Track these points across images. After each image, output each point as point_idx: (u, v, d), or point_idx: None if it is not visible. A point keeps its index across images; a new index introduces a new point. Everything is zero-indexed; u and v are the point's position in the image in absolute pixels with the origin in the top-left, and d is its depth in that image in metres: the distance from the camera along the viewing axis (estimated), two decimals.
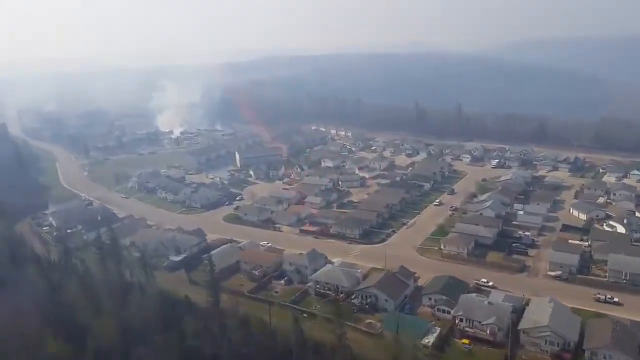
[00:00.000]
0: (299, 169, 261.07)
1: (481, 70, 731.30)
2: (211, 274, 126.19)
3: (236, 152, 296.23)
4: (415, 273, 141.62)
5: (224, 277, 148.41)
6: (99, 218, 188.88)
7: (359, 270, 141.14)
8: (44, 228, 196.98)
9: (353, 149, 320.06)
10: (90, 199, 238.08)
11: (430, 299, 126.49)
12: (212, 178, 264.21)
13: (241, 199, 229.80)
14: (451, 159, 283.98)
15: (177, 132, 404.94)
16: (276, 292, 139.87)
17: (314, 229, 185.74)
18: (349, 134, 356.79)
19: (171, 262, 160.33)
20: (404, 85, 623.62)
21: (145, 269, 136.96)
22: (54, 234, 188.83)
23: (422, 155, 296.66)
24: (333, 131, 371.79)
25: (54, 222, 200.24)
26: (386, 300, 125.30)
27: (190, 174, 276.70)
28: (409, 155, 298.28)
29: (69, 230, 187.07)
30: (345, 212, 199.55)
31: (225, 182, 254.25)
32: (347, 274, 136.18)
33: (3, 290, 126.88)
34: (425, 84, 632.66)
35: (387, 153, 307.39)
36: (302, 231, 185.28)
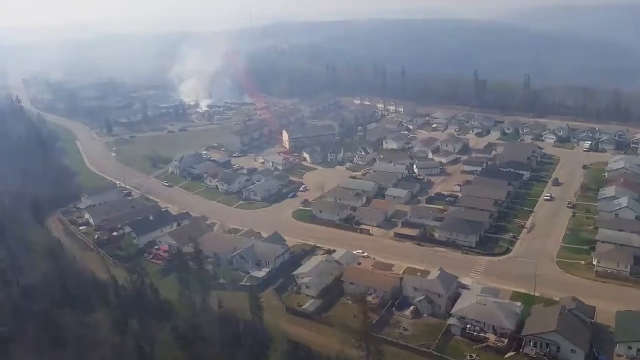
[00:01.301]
0: (362, 152, 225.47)
1: (508, 38, 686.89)
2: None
3: (284, 131, 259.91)
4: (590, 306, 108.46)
5: (327, 303, 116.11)
6: (150, 217, 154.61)
7: (519, 305, 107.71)
8: (80, 228, 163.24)
9: (410, 126, 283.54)
10: (127, 187, 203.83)
11: (630, 347, 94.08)
12: (262, 162, 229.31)
13: (305, 189, 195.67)
14: (531, 139, 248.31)
15: (203, 106, 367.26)
16: (404, 329, 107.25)
17: (412, 232, 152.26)
18: (400, 109, 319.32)
19: (252, 278, 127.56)
20: (435, 53, 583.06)
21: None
22: (95, 236, 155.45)
23: (495, 134, 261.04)
24: (379, 105, 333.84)
25: (91, 220, 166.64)
26: (573, 350, 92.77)
27: (234, 156, 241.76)
28: (479, 135, 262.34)
29: (114, 233, 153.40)
30: (442, 209, 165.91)
31: (280, 167, 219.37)
32: (504, 309, 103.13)
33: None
34: (455, 53, 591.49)
35: (451, 131, 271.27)
36: (397, 235, 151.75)
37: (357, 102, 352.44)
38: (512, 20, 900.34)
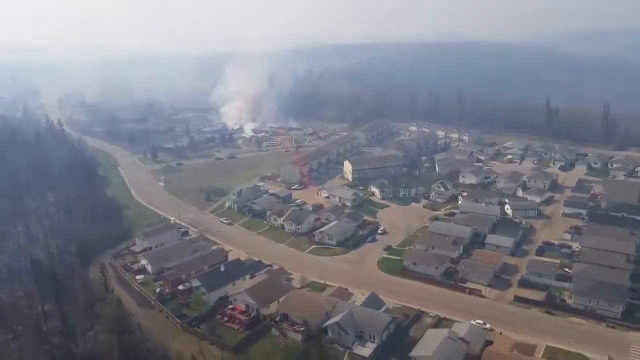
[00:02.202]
0: (441, 188, 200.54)
1: (544, 62, 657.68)
2: None
3: (346, 162, 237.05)
4: None
5: None
6: (221, 268, 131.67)
7: None
8: (137, 278, 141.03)
9: (482, 157, 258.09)
10: (182, 224, 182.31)
11: None
12: (326, 197, 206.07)
13: (384, 232, 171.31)
14: (624, 175, 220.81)
15: (248, 130, 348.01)
16: None
17: (535, 295, 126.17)
18: (465, 137, 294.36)
19: (356, 357, 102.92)
20: (475, 76, 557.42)
21: None
22: (156, 289, 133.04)
23: (580, 169, 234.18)
24: (440, 132, 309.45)
25: (149, 267, 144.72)
26: None
27: (294, 188, 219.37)
28: (563, 169, 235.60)
29: (179, 287, 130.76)
30: (559, 264, 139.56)
31: (348, 203, 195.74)
32: None
33: None
34: (499, 77, 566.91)
35: (529, 164, 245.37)
36: (517, 299, 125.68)
37: (414, 128, 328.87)
38: (540, 43, 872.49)
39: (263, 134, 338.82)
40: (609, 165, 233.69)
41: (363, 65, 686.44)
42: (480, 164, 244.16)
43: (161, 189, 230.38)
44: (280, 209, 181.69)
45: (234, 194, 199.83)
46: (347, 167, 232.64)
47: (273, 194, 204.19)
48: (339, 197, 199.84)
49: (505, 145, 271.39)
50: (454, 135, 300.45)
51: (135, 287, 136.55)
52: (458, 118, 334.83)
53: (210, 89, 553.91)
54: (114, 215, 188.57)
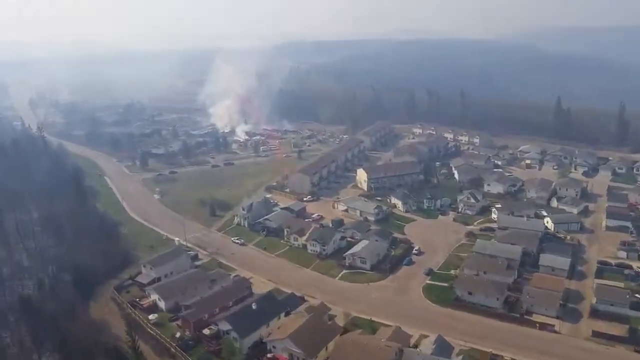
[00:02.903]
0: (470, 199, 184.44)
1: (536, 60, 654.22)
2: None
3: (360, 170, 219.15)
4: None
5: None
6: (253, 306, 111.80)
7: None
8: (150, 318, 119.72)
9: (498, 162, 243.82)
10: (189, 245, 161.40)
11: None
12: (344, 210, 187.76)
13: (419, 251, 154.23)
14: None
15: (241, 133, 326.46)
16: None
17: (616, 329, 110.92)
18: (475, 140, 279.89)
19: None
20: (468, 74, 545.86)
21: None
22: (176, 334, 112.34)
23: (605, 174, 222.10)
24: (447, 135, 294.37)
25: (161, 304, 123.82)
26: None
27: (305, 200, 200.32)
28: (586, 174, 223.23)
29: (205, 332, 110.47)
30: (627, 288, 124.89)
31: (371, 217, 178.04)
32: None
33: None
34: (493, 75, 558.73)
35: (548, 169, 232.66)
36: (596, 333, 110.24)
37: (418, 131, 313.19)
38: (523, 41, 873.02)
39: (258, 137, 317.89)
40: (634, 170, 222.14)
41: (349, 62, 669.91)
42: (500, 169, 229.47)
43: (157, 202, 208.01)
44: (301, 227, 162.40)
45: (243, 209, 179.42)
46: (361, 175, 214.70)
47: (286, 208, 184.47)
48: (360, 211, 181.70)
49: (521, 149, 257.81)
50: (463, 138, 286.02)
51: (149, 330, 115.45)
52: (461, 119, 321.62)
53: (194, 88, 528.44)
54: (109, 235, 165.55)
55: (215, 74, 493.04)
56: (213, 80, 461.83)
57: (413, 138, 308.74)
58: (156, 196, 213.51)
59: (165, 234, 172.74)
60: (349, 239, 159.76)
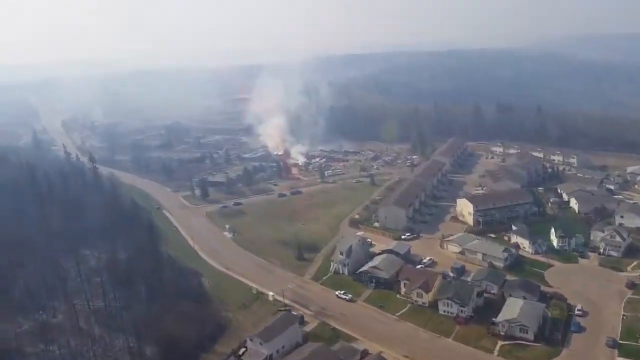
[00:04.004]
0: (616, 237, 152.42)
1: (563, 67, 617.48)
2: None
3: (461, 200, 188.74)
4: None
5: None
6: None
7: None
8: None
9: (610, 186, 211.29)
10: (286, 302, 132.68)
11: None
12: (459, 252, 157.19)
13: (583, 312, 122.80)
14: None
15: (298, 156, 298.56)
16: None
17: None
18: (572, 160, 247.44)
19: None
20: (510, 85, 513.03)
21: None
22: None
23: None
24: (536, 154, 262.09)
25: None
26: None
27: (403, 238, 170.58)
28: None
29: None
30: None
31: (500, 263, 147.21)
32: None
33: None
34: (544, 86, 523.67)
35: None
36: None
37: (498, 149, 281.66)
38: (550, 49, 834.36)
39: (318, 159, 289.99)
40: None
41: (384, 75, 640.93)
42: (620, 196, 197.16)
43: (230, 242, 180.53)
44: (423, 278, 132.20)
45: (341, 253, 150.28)
46: (464, 206, 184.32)
47: (389, 251, 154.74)
48: (483, 254, 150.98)
49: (631, 170, 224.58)
50: (556, 158, 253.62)
51: None
52: (539, 135, 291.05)
53: (231, 106, 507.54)
54: (191, 290, 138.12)
55: (254, 91, 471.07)
56: (254, 98, 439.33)
57: (492, 157, 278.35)
58: (227, 234, 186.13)
59: (254, 286, 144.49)
60: (487, 295, 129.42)
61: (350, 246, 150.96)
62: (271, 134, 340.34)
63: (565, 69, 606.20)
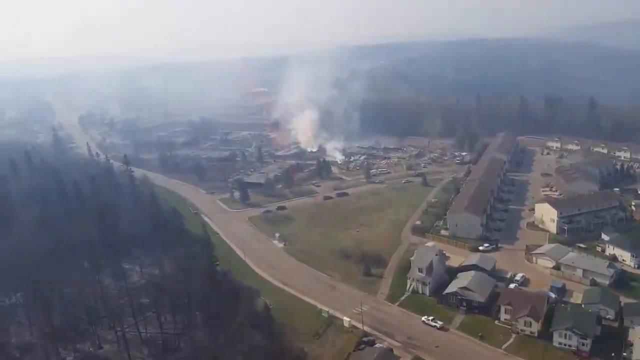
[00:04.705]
0: None
1: (593, 58, 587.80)
2: None
3: (543, 204, 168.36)
4: None
5: None
6: None
7: None
8: None
9: None
10: (366, 329, 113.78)
11: None
12: (552, 268, 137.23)
13: None
14: None
15: (335, 153, 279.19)
16: None
17: None
18: None
19: None
20: (543, 76, 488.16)
21: None
22: None
23: None
24: (599, 150, 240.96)
25: None
26: None
27: (481, 250, 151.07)
28: None
29: None
30: None
31: (603, 280, 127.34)
32: None
33: None
34: (570, 75, 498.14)
35: None
36: None
37: (555, 145, 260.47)
38: (573, 38, 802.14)
39: (358, 157, 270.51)
40: None
41: (407, 66, 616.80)
42: None
43: (283, 252, 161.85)
44: (530, 303, 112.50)
45: (420, 270, 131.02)
46: (545, 211, 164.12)
47: (474, 267, 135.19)
48: (583, 270, 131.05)
49: None
50: (622, 154, 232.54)
51: None
52: (593, 129, 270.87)
53: (251, 100, 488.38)
54: (254, 313, 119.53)
55: (275, 84, 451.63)
56: (277, 91, 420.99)
57: (548, 153, 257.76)
58: (277, 243, 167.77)
59: (322, 307, 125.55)
60: (603, 322, 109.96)
61: (431, 262, 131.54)
62: (302, 130, 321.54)
63: (596, 59, 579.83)
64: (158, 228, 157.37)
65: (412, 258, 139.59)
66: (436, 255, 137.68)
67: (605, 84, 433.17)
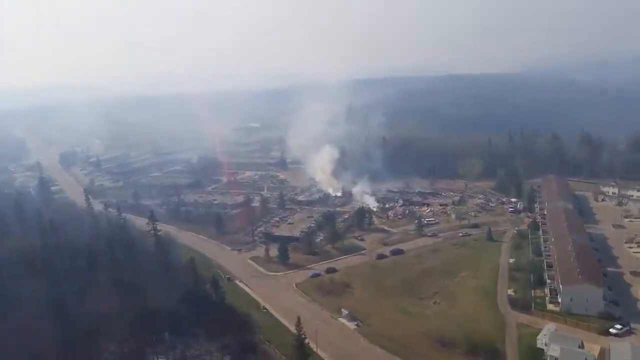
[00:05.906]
0: None
1: (584, 94, 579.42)
2: None
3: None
4: None
5: None
6: None
7: None
8: None
9: None
10: None
11: None
12: None
13: None
14: None
15: (368, 199, 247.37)
16: None
17: None
18: None
19: None
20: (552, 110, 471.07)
21: None
22: None
23: None
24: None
25: None
26: None
27: (616, 333, 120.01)
28: None
29: None
30: None
31: None
32: None
33: None
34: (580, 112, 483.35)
35: None
36: None
37: (610, 190, 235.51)
38: (552, 74, 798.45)
39: (394, 204, 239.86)
40: None
41: (406, 102, 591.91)
42: None
43: (358, 337, 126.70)
44: None
45: None
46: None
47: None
48: None
49: None
50: None
51: None
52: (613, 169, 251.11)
53: (248, 135, 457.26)
54: None
55: (269, 119, 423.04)
56: (275, 126, 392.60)
57: (603, 199, 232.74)
58: (346, 322, 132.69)
59: None
60: None
61: (560, 348, 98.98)
62: (319, 170, 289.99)
63: (588, 95, 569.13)
64: (199, 307, 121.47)
65: (552, 354, 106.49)
66: (564, 344, 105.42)
67: (607, 120, 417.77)
